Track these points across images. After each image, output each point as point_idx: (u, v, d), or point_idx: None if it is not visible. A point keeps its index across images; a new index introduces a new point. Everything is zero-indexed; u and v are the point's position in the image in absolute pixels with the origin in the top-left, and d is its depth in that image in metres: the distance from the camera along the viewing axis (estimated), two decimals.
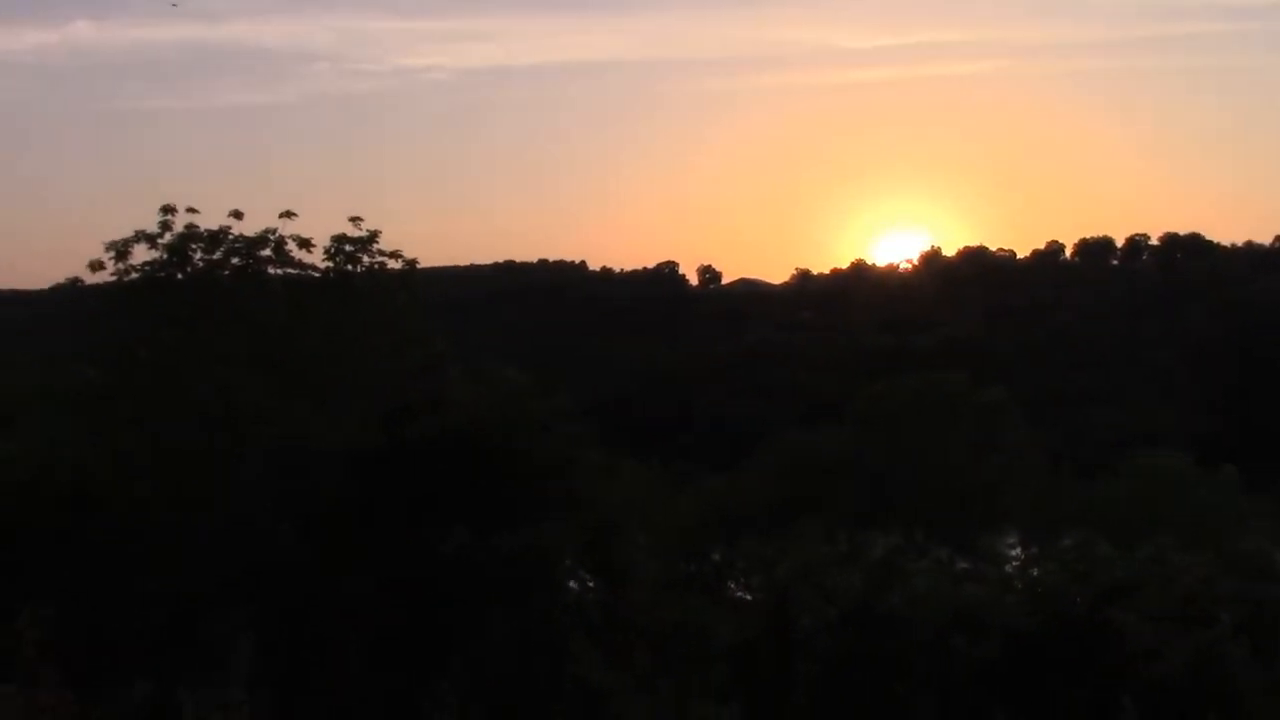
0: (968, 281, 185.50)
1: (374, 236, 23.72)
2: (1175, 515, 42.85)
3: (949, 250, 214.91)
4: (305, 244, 23.11)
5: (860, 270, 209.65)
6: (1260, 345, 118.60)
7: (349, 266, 23.50)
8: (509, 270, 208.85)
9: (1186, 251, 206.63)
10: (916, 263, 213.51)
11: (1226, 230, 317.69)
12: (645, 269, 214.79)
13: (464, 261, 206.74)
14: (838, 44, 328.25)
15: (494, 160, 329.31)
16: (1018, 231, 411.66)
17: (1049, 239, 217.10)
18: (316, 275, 23.33)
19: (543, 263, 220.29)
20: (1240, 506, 46.05)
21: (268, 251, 22.84)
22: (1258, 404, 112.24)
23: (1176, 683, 17.97)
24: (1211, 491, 46.36)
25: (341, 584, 17.81)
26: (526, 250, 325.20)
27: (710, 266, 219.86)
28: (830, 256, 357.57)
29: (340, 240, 23.64)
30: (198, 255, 22.58)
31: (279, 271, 23.02)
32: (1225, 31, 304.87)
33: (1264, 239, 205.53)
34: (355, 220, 23.84)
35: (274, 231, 22.85)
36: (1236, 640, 18.22)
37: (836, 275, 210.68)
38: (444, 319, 26.23)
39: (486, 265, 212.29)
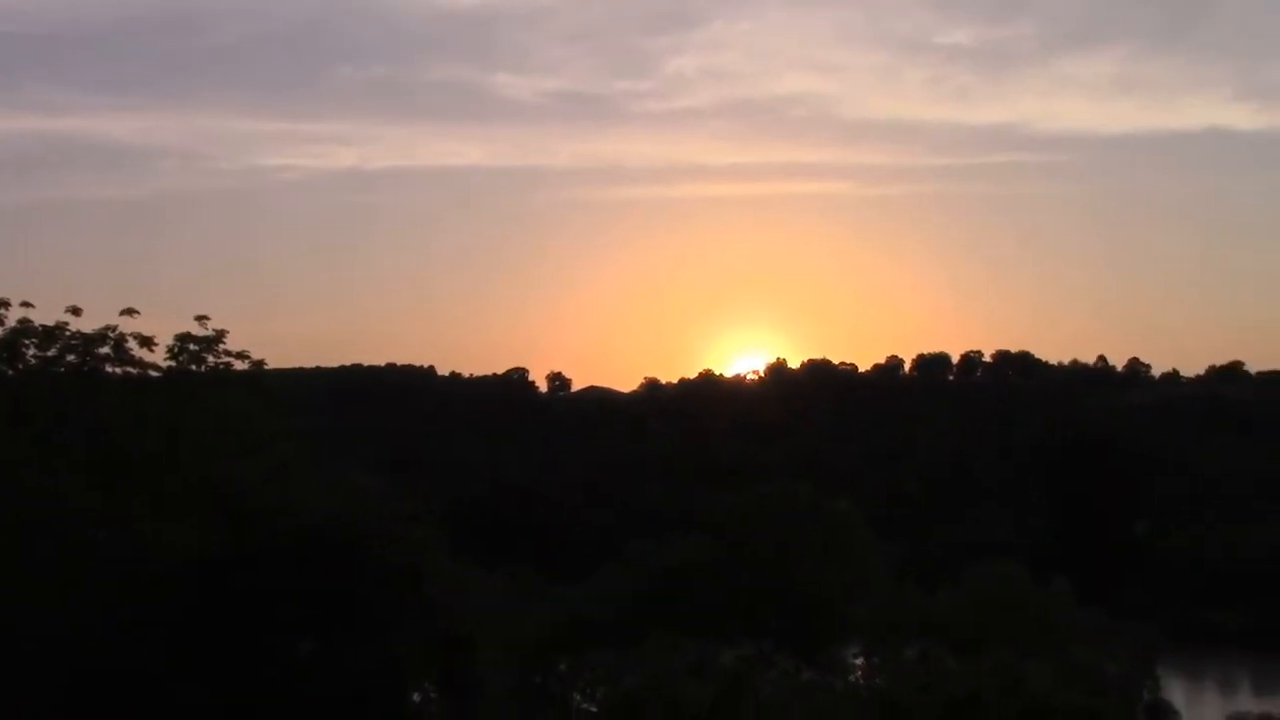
0: (812, 392, 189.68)
1: (220, 336, 23.19)
2: (1012, 625, 43.88)
3: (794, 362, 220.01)
4: (147, 342, 22.45)
5: (708, 380, 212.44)
6: (1087, 460, 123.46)
7: (193, 366, 22.89)
8: (356, 373, 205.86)
9: (1017, 368, 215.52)
10: (763, 373, 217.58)
11: (1053, 349, 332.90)
12: (494, 375, 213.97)
13: (310, 364, 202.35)
14: (690, 160, 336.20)
15: (342, 262, 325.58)
16: (859, 345, 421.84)
17: (888, 353, 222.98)
18: (158, 374, 22.65)
19: (390, 366, 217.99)
20: (1074, 617, 47.45)
21: (106, 349, 22.14)
22: (1087, 517, 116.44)
23: None
24: (1046, 603, 47.71)
25: (179, 695, 17.01)
26: (374, 353, 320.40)
27: (560, 374, 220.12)
28: (678, 365, 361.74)
29: (184, 339, 23.02)
30: (30, 352, 21.77)
31: (118, 370, 22.32)
32: (1055, 162, 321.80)
33: (1088, 359, 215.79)
34: (201, 319, 23.35)
35: (114, 329, 22.18)
36: None
37: (685, 384, 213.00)
38: (289, 421, 25.64)
39: (333, 367, 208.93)
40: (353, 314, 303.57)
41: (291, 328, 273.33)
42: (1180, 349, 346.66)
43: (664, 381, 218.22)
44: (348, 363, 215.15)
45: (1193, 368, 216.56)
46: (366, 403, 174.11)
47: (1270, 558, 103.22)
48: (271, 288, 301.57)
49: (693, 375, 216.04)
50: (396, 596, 19.87)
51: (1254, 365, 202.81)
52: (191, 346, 22.93)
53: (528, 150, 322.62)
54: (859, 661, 45.97)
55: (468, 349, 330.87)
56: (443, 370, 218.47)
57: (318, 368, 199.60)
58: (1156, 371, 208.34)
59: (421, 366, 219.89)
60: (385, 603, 19.60)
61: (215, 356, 22.94)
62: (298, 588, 18.73)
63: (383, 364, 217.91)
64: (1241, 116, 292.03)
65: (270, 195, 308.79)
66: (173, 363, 22.69)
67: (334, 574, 19.19)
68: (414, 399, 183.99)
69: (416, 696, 23.67)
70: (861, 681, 39.13)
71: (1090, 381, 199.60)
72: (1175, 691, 53.69)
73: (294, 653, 17.97)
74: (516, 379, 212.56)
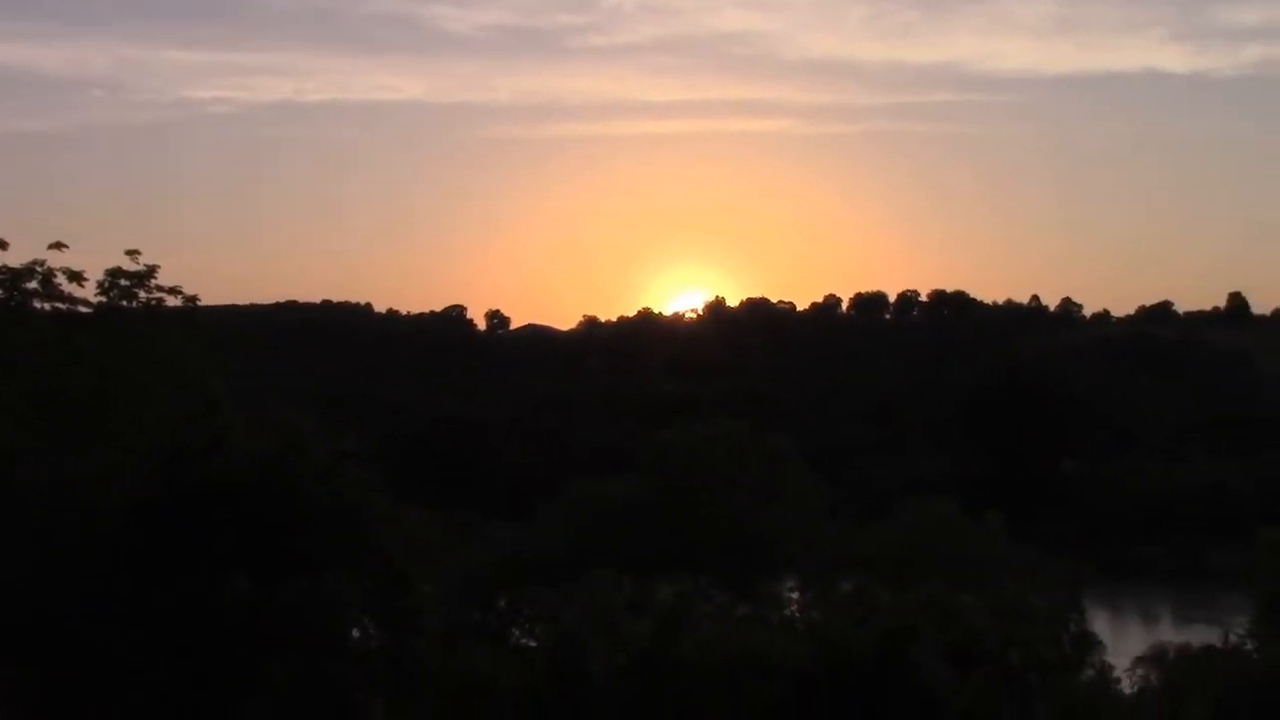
0: (751, 331, 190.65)
1: (152, 271, 22.73)
2: (945, 559, 44.69)
3: (732, 300, 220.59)
4: (76, 277, 21.97)
5: (647, 318, 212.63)
6: (1021, 396, 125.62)
7: (124, 302, 22.46)
8: (291, 309, 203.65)
9: (952, 308, 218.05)
10: (702, 312, 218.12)
11: (988, 289, 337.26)
12: (432, 312, 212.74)
13: (244, 300, 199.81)
14: (630, 96, 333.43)
15: (277, 197, 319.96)
16: (797, 284, 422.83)
17: (826, 292, 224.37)
18: (88, 310, 22.21)
19: (326, 303, 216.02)
20: (1004, 552, 48.41)
21: (34, 284, 21.66)
22: (1019, 454, 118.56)
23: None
24: (978, 537, 48.59)
25: (115, 637, 16.86)
26: (309, 289, 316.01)
27: (498, 311, 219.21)
28: (617, 303, 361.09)
29: (115, 274, 22.56)
30: None
31: (46, 306, 21.86)
32: (994, 101, 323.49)
33: (1022, 298, 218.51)
34: (132, 254, 22.86)
35: (42, 263, 21.69)
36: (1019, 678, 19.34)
37: (623, 322, 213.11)
38: (223, 359, 25.30)
39: (268, 304, 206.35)
40: (288, 250, 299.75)
41: (225, 264, 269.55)
42: (1111, 289, 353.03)
43: (602, 320, 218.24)
44: (282, 299, 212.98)
45: (1123, 308, 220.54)
46: (302, 340, 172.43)
47: (1192, 495, 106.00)
48: (203, 223, 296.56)
49: (631, 313, 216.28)
50: (332, 533, 19.79)
51: (1182, 306, 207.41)
52: (123, 282, 22.44)
53: (467, 85, 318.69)
54: (795, 596, 46.64)
55: (405, 286, 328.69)
56: (380, 307, 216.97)
57: (252, 304, 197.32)
58: (1088, 311, 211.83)
59: (358, 304, 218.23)
60: (321, 539, 19.51)
61: (147, 292, 22.49)
62: (232, 525, 18.59)
63: (318, 301, 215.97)
64: (1176, 59, 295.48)
65: (201, 127, 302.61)
66: (103, 298, 22.23)
67: (268, 511, 19.05)
68: (350, 336, 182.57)
69: (356, 633, 23.64)
70: (797, 615, 39.72)
71: (1024, 321, 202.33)
72: (1100, 623, 55.05)
73: (229, 590, 17.87)
74: (454, 316, 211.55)
